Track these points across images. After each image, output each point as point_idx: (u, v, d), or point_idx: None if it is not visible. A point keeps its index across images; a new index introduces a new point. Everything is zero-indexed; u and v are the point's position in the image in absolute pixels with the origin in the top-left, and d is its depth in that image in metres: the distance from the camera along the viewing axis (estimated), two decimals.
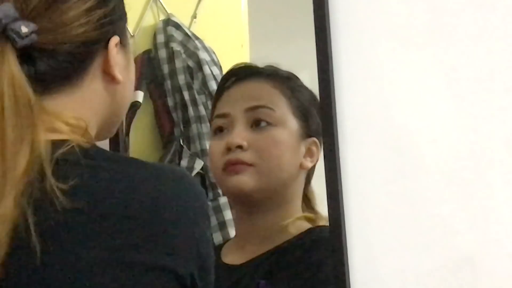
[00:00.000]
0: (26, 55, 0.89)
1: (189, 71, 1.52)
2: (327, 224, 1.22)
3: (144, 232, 0.86)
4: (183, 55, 1.53)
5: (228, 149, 1.23)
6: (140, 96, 1.48)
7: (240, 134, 1.24)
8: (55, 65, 0.91)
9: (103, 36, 0.94)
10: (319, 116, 1.22)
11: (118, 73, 0.96)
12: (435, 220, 1.13)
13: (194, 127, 1.51)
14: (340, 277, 1.14)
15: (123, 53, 0.98)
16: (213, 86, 1.51)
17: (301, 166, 1.26)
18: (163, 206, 0.88)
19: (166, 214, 0.88)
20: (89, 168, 0.87)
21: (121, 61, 0.97)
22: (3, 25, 0.88)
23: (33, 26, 0.89)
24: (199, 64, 1.51)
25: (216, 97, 1.33)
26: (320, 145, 1.28)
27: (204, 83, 1.50)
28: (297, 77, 1.33)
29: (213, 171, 1.32)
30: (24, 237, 0.82)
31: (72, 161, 0.87)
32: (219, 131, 1.27)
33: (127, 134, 1.39)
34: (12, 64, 0.87)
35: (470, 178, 1.13)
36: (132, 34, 1.52)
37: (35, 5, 0.91)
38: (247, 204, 1.24)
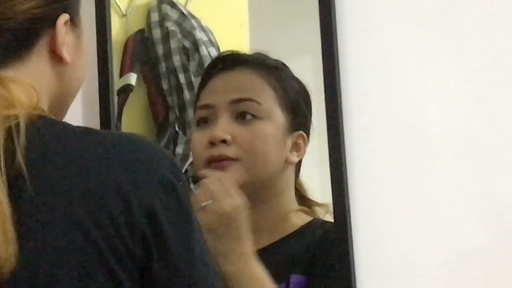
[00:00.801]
0: None
1: (185, 52, 1.52)
2: (325, 215, 1.29)
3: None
4: (179, 35, 1.52)
5: (212, 143, 1.24)
6: (132, 78, 1.48)
7: (224, 128, 1.24)
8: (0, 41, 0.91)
9: (50, 13, 0.93)
10: (324, 103, 1.23)
11: (66, 54, 0.94)
12: (445, 210, 1.17)
13: (190, 112, 1.50)
14: (345, 270, 1.17)
15: (74, 33, 0.97)
16: None
17: (287, 161, 1.27)
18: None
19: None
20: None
21: (71, 41, 0.96)
22: None
23: None
24: (195, 44, 1.51)
25: (201, 86, 1.33)
26: (308, 138, 1.30)
27: (201, 65, 1.49)
28: (286, 66, 1.33)
29: (196, 165, 1.32)
30: None
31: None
32: (202, 122, 1.28)
33: (119, 118, 1.40)
34: None
35: (482, 166, 1.17)
36: (124, 13, 1.52)
37: None
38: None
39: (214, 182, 1.20)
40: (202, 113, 1.28)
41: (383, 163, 1.22)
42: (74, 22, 0.97)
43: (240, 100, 1.26)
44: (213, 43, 1.52)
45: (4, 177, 0.84)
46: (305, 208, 1.30)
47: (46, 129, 0.89)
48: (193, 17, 1.52)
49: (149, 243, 0.86)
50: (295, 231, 1.25)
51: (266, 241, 1.25)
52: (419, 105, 1.21)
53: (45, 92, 0.95)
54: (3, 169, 0.85)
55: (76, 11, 0.98)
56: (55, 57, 0.94)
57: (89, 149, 0.88)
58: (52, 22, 0.93)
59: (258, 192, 1.25)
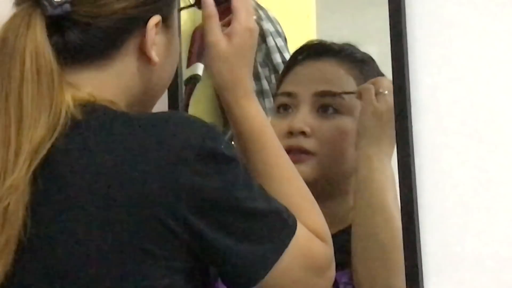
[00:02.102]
0: (56, 25, 0.91)
1: None
2: None
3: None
4: None
5: (290, 133, 1.24)
6: (200, 68, 1.48)
7: (304, 119, 1.24)
8: (86, 39, 0.92)
9: (143, 14, 0.94)
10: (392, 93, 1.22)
11: (154, 54, 0.95)
12: (505, 201, 1.14)
13: None
14: (412, 262, 1.15)
15: (165, 34, 0.97)
16: (277, 59, 1.52)
17: (355, 147, 1.27)
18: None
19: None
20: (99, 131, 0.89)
21: (162, 42, 0.97)
22: None
23: None
24: (262, 35, 1.48)
25: (284, 72, 1.33)
26: None
27: (268, 56, 1.50)
28: (373, 60, 1.32)
29: None
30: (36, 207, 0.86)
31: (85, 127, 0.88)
32: (283, 109, 1.28)
33: (186, 108, 1.40)
34: (39, 32, 0.89)
35: None
36: (192, 3, 1.48)
37: None
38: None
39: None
40: (283, 99, 1.28)
41: (452, 157, 1.19)
42: (166, 23, 0.97)
43: (324, 93, 1.25)
44: (280, 34, 1.50)
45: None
46: None
47: (97, 120, 0.90)
48: (261, 7, 1.50)
49: (193, 225, 0.87)
50: (348, 226, 1.24)
51: None
52: (489, 98, 1.19)
53: (125, 91, 0.96)
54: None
55: (169, 12, 0.99)
56: (144, 57, 0.95)
57: (130, 133, 0.89)
58: (143, 23, 0.94)
59: (329, 188, 1.26)
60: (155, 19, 0.95)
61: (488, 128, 1.17)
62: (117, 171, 0.88)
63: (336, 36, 1.35)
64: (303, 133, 1.24)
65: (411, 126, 1.17)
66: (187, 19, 1.50)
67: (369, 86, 1.23)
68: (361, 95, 1.25)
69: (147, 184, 0.86)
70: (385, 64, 1.22)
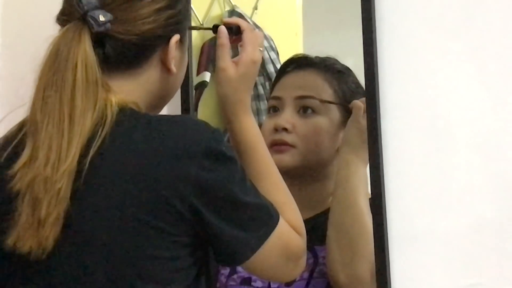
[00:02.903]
0: (99, 40, 0.96)
1: None
2: None
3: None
4: None
5: (276, 130, 1.30)
6: (207, 76, 1.49)
7: (287, 118, 1.30)
8: (121, 52, 0.97)
9: (166, 33, 0.99)
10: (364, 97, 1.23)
11: (173, 66, 1.01)
12: (464, 187, 1.18)
13: (253, 104, 1.51)
14: (379, 235, 1.19)
15: (180, 49, 1.03)
16: (270, 69, 1.54)
17: (337, 151, 1.30)
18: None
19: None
20: (135, 128, 0.93)
21: (178, 56, 1.02)
22: (85, 11, 0.94)
23: (109, 16, 0.95)
24: None
25: (276, 80, 1.39)
26: None
27: (263, 66, 1.50)
28: (350, 71, 1.36)
29: None
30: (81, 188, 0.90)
31: (121, 123, 0.93)
32: (273, 110, 1.34)
33: (196, 109, 1.42)
34: (87, 45, 0.94)
35: (495, 152, 1.18)
36: (201, 23, 1.50)
37: (103, 2, 0.97)
38: (290, 177, 1.25)
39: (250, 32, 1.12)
40: (273, 102, 1.35)
41: (414, 153, 1.23)
42: (182, 40, 1.03)
43: (303, 97, 1.32)
44: (273, 48, 1.54)
45: (89, 158, 0.90)
46: None
47: (127, 120, 0.95)
48: (257, 26, 1.52)
49: (197, 208, 0.91)
50: (327, 208, 1.27)
51: (303, 216, 1.23)
52: (447, 102, 1.22)
53: (148, 95, 1.01)
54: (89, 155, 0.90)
55: (185, 31, 1.04)
56: (164, 67, 1.01)
57: (152, 132, 0.93)
58: (167, 40, 1.00)
59: (308, 174, 1.31)
60: (176, 37, 1.00)
61: (444, 130, 1.22)
62: (139, 162, 0.92)
63: (320, 50, 1.39)
64: (285, 129, 1.29)
65: (380, 127, 1.21)
66: (197, 35, 1.52)
67: (360, 104, 1.24)
68: (352, 110, 1.27)
69: (162, 173, 0.90)
70: (359, 76, 1.29)
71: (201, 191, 0.91)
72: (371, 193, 1.21)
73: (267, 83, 1.53)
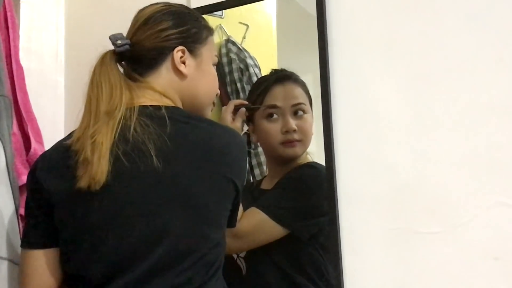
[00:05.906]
0: (124, 57, 1.13)
1: (241, 70, 1.68)
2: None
3: (213, 158, 1.06)
4: (237, 61, 1.69)
5: (287, 131, 1.48)
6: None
7: (292, 122, 1.48)
8: (139, 62, 1.12)
9: (168, 46, 1.13)
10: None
11: (183, 69, 1.12)
12: (391, 164, 1.37)
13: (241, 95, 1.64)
14: (331, 195, 1.38)
15: (194, 59, 1.15)
16: (254, 77, 1.68)
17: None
18: (223, 146, 1.09)
19: (225, 150, 1.09)
20: (172, 121, 1.04)
21: (192, 64, 1.14)
22: (112, 40, 1.12)
23: (126, 41, 1.11)
24: (246, 66, 1.68)
25: (264, 91, 1.54)
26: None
27: (250, 78, 1.67)
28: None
29: (270, 143, 1.53)
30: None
31: (158, 116, 1.03)
32: (270, 116, 1.51)
33: None
34: (113, 64, 1.10)
35: (413, 137, 1.35)
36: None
37: (130, 30, 1.15)
38: (285, 161, 1.48)
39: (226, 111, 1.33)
40: (271, 110, 1.51)
41: (358, 133, 1.37)
42: (191, 52, 1.15)
43: (297, 104, 1.52)
44: (256, 66, 1.69)
45: (152, 144, 0.99)
46: (309, 158, 1.52)
47: (176, 115, 1.05)
48: (245, 50, 1.71)
49: (236, 184, 1.10)
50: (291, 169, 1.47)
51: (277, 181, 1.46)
52: (383, 104, 1.36)
53: (176, 92, 1.13)
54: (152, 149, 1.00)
55: (191, 45, 1.14)
56: (177, 71, 1.14)
57: (206, 134, 1.04)
58: (172, 50, 1.14)
59: (303, 155, 1.51)
60: (178, 48, 1.13)
61: (384, 127, 1.35)
62: (201, 155, 1.04)
63: (288, 67, 1.57)
64: (294, 130, 1.49)
65: (332, 122, 1.38)
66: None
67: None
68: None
69: (215, 160, 1.06)
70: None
71: (236, 174, 1.10)
72: (326, 164, 1.37)
73: (247, 86, 1.67)
